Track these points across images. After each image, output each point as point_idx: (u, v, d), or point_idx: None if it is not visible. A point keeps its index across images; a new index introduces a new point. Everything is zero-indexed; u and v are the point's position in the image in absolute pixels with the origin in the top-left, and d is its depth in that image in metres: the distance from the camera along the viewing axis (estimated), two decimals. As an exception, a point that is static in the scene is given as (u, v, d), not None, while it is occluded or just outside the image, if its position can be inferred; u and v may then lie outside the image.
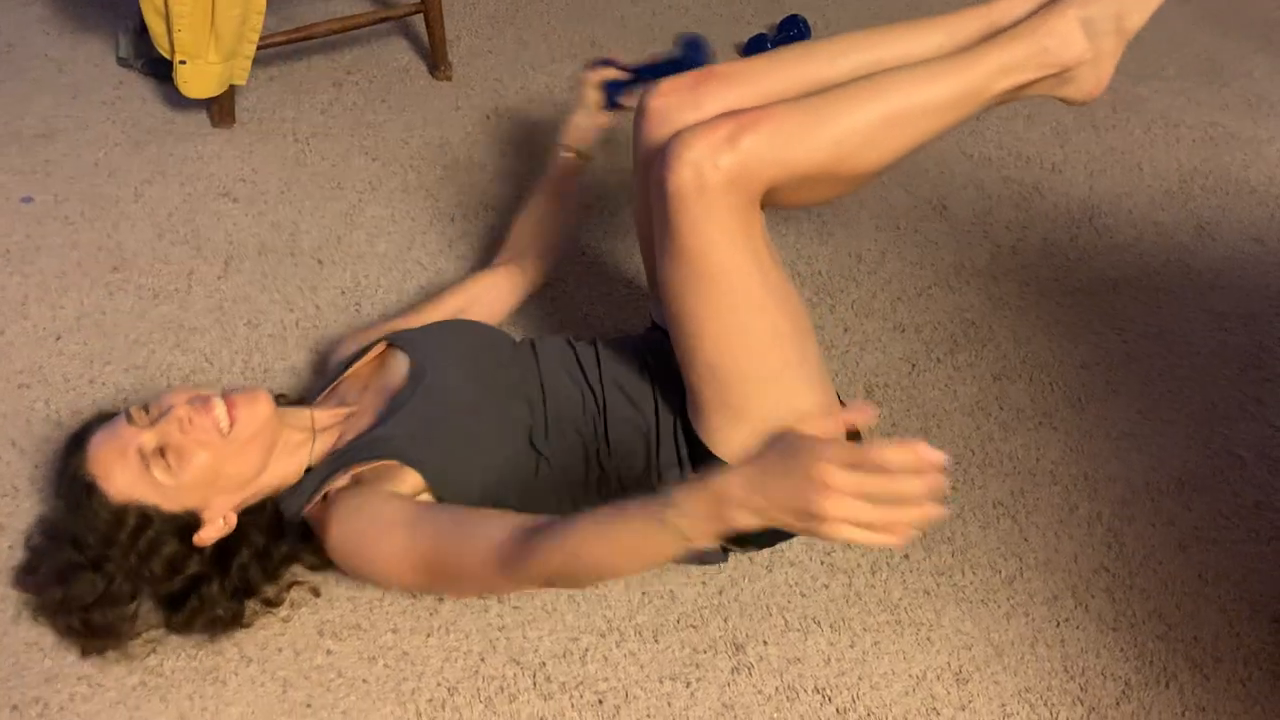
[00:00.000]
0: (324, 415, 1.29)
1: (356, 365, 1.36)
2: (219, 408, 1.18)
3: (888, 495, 0.81)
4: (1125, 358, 1.71)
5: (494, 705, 1.21)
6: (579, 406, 1.29)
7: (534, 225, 1.59)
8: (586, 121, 1.55)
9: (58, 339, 1.61)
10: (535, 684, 1.23)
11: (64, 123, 2.04)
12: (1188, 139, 2.22)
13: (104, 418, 1.22)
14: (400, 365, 1.31)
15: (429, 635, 1.27)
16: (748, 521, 0.87)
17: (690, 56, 1.42)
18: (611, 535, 0.97)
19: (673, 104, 1.26)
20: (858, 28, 1.36)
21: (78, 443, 1.20)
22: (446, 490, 1.20)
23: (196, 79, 1.90)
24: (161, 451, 1.14)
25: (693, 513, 0.89)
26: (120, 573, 1.15)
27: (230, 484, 1.19)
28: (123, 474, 1.14)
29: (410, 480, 1.19)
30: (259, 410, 1.21)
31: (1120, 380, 1.67)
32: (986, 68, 1.19)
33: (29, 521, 1.34)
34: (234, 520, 1.20)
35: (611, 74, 1.52)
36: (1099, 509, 1.48)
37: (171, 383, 1.56)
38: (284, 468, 1.24)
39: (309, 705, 1.20)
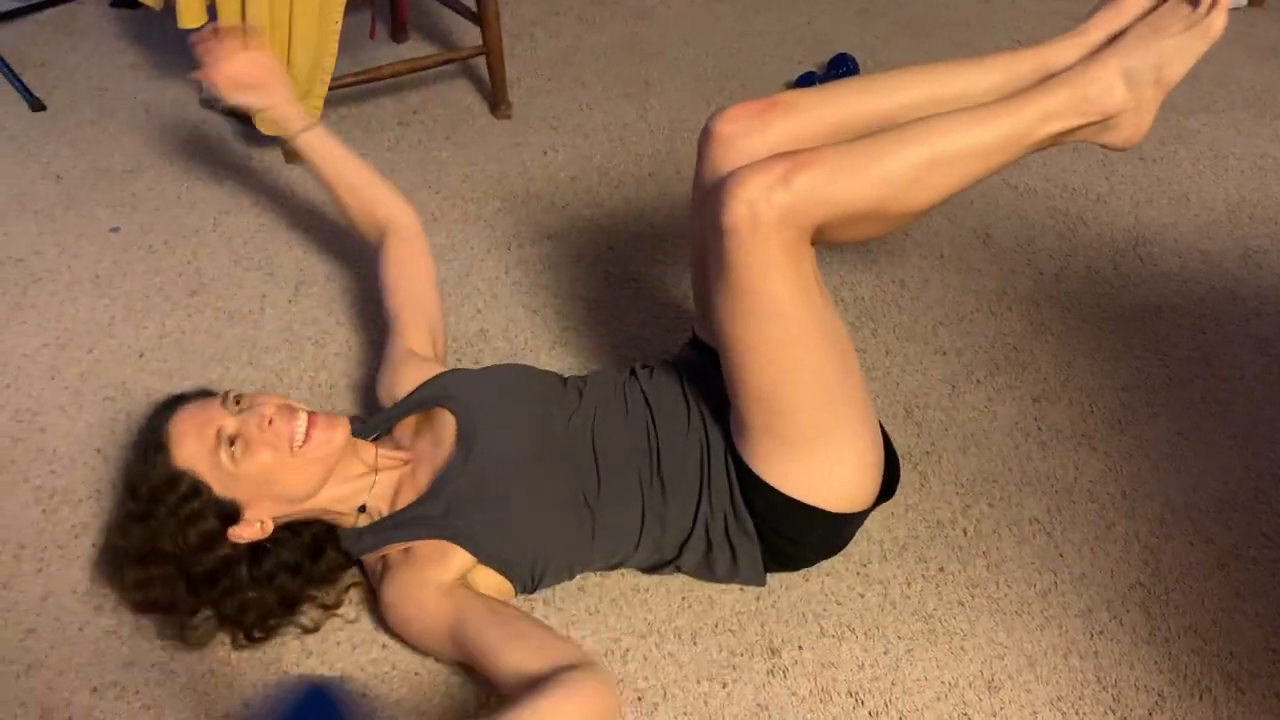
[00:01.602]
0: (385, 457, 1.36)
1: (412, 415, 1.42)
2: (300, 422, 1.27)
3: None
4: (1167, 381, 1.73)
5: (538, 700, 1.27)
6: (632, 452, 1.34)
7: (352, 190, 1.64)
8: None
9: (141, 356, 1.72)
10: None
11: (150, 159, 2.18)
12: (1236, 170, 2.23)
13: (205, 393, 1.31)
14: (449, 427, 1.36)
15: (478, 633, 1.33)
16: None
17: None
18: None
19: (739, 130, 1.32)
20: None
21: (171, 405, 1.29)
22: (497, 563, 1.28)
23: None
24: (233, 439, 1.23)
25: None
26: (164, 532, 1.23)
27: (280, 494, 1.27)
28: (194, 445, 1.23)
29: (461, 558, 1.26)
30: (334, 436, 1.29)
31: (1161, 403, 1.69)
32: (1031, 114, 1.22)
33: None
34: (270, 529, 1.27)
35: None
36: (1136, 527, 1.50)
37: (243, 397, 1.65)
38: (336, 495, 1.31)
39: (365, 696, 1.27)
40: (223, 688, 1.27)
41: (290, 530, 1.30)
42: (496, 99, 2.34)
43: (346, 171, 1.62)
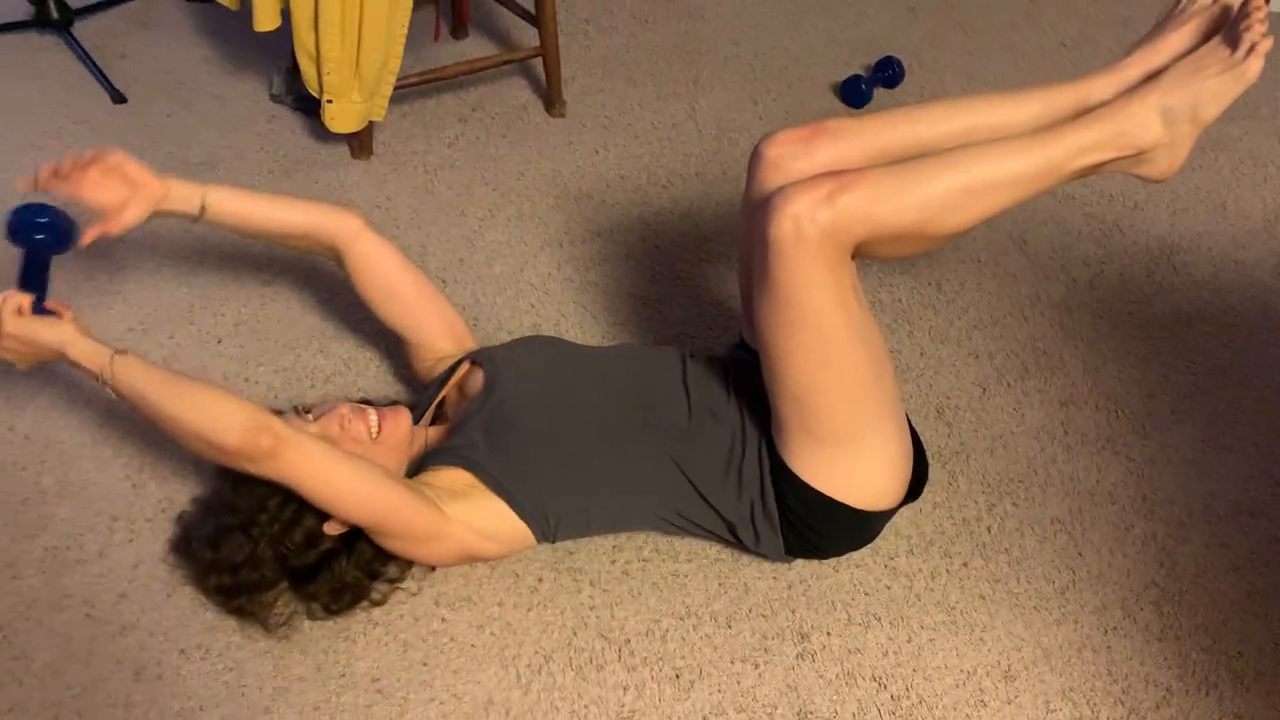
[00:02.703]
0: (435, 435, 1.52)
1: (447, 386, 1.56)
2: (372, 416, 1.42)
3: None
4: (1194, 389, 1.79)
5: (584, 673, 1.37)
6: (662, 425, 1.45)
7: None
8: None
9: (219, 342, 1.84)
10: (620, 657, 1.39)
11: (224, 152, 2.30)
12: (1276, 179, 2.27)
13: (276, 412, 1.42)
14: (478, 381, 1.52)
15: (530, 610, 1.44)
16: None
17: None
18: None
19: (786, 154, 1.40)
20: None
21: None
22: (499, 489, 1.39)
23: (341, 116, 2.14)
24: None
25: None
26: (264, 538, 1.34)
27: None
28: None
29: (458, 475, 1.39)
30: (401, 424, 1.45)
31: (1187, 410, 1.76)
32: (1067, 147, 1.28)
33: (197, 496, 1.56)
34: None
35: None
36: (1154, 529, 1.57)
37: (315, 384, 1.77)
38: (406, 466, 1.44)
39: (425, 664, 1.38)
40: (296, 651, 1.39)
41: None
42: (551, 98, 2.43)
43: (265, 215, 1.56)
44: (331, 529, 1.35)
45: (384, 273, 1.61)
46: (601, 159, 2.31)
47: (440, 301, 1.65)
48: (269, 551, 1.35)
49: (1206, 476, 1.65)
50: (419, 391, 1.73)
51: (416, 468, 1.45)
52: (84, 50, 2.53)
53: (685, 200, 2.19)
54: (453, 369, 1.57)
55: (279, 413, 1.41)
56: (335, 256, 1.61)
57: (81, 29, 2.63)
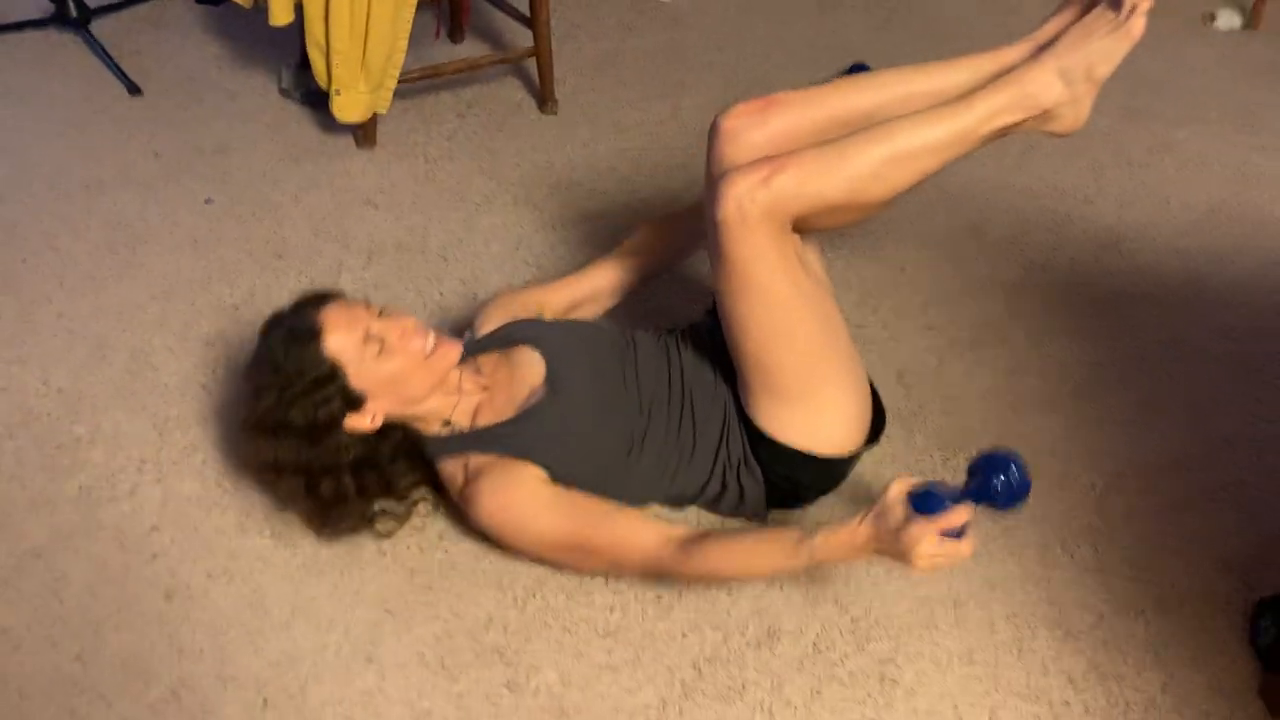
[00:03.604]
0: (468, 381, 1.59)
1: (500, 352, 1.62)
2: (431, 338, 1.51)
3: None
4: (1135, 359, 1.96)
5: (574, 597, 1.52)
6: (669, 405, 1.57)
7: (664, 240, 1.81)
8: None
9: (236, 309, 1.98)
10: (607, 582, 1.53)
11: (236, 141, 2.45)
12: (1219, 176, 2.45)
13: (336, 295, 1.53)
14: (536, 367, 1.57)
15: (524, 543, 1.58)
16: (857, 559, 1.43)
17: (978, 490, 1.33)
18: (756, 557, 1.43)
19: (742, 125, 1.55)
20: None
21: (317, 300, 1.50)
22: (562, 481, 1.50)
23: (349, 106, 2.29)
24: (377, 341, 1.45)
25: (827, 554, 1.37)
26: (297, 405, 1.44)
27: (401, 394, 1.49)
28: (344, 337, 1.45)
29: (536, 472, 1.49)
30: (451, 355, 1.53)
31: (1128, 377, 1.92)
32: (979, 112, 1.45)
33: (218, 443, 1.70)
34: (379, 423, 1.50)
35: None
36: (1094, 479, 1.73)
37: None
38: (432, 406, 1.53)
39: (429, 588, 1.52)
40: (313, 577, 1.53)
41: (381, 433, 1.52)
42: (544, 96, 2.59)
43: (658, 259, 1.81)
44: (354, 422, 1.46)
45: (605, 298, 1.81)
46: (591, 152, 2.47)
47: (574, 284, 1.80)
48: (300, 419, 1.44)
49: (1143, 433, 1.81)
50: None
51: (485, 440, 1.52)
52: (101, 46, 2.68)
53: (669, 189, 2.35)
54: (507, 340, 1.63)
55: (351, 300, 1.53)
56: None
57: (98, 27, 2.79)
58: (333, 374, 1.45)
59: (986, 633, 1.50)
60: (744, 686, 1.42)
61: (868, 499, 1.64)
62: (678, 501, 1.63)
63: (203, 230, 2.17)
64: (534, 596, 1.52)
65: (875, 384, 1.77)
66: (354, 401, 1.47)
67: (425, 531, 1.60)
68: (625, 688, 1.41)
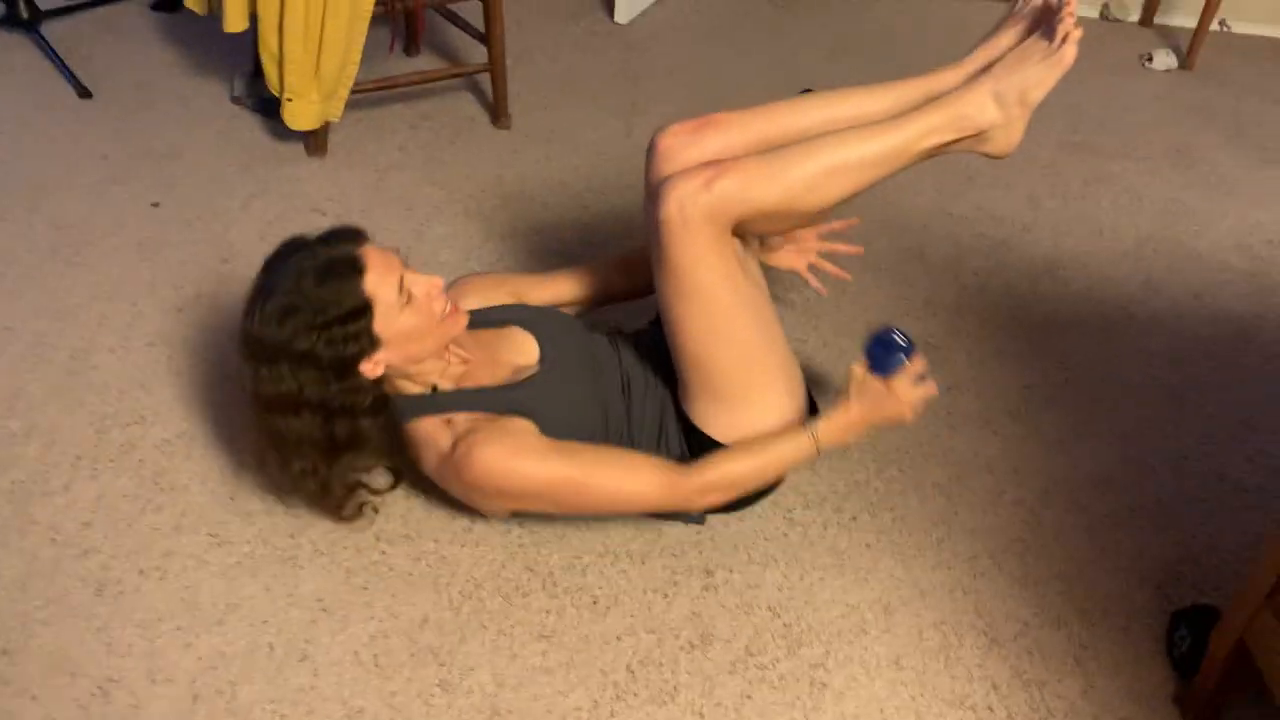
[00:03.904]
0: (456, 351, 1.56)
1: (495, 330, 1.63)
2: (447, 305, 1.49)
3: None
4: (1065, 383, 2.01)
5: (511, 599, 1.53)
6: (612, 403, 1.61)
7: (622, 270, 1.82)
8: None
9: (180, 311, 1.98)
10: (544, 586, 1.55)
11: (187, 146, 2.44)
12: (1149, 210, 2.53)
13: (366, 234, 1.48)
14: (528, 347, 1.60)
15: (463, 546, 1.59)
16: (856, 439, 1.56)
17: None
18: (769, 453, 1.51)
19: (677, 144, 1.59)
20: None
21: (353, 237, 1.45)
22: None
23: (300, 114, 2.30)
24: (408, 292, 1.43)
25: (830, 439, 1.52)
26: (325, 335, 1.38)
27: (407, 349, 1.45)
28: (382, 279, 1.40)
29: (528, 425, 1.48)
30: (462, 321, 1.52)
31: (1058, 399, 1.97)
32: (915, 129, 1.51)
33: (157, 442, 1.69)
34: (381, 373, 1.44)
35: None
36: (1023, 495, 1.77)
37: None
38: (425, 368, 1.50)
39: (365, 588, 1.52)
40: (247, 576, 1.52)
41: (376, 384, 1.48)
42: (498, 111, 2.62)
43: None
44: (369, 369, 1.43)
45: (566, 303, 1.81)
46: (543, 167, 2.49)
47: (542, 285, 1.80)
48: (326, 354, 1.39)
49: (1071, 454, 1.86)
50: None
51: (470, 394, 1.52)
52: (52, 49, 2.67)
53: (620, 206, 2.38)
54: (500, 319, 1.64)
55: (392, 249, 1.47)
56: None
57: (50, 29, 2.77)
58: (365, 312, 1.40)
59: (915, 639, 1.53)
60: (676, 689, 1.44)
61: (805, 508, 1.69)
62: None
63: (149, 233, 2.16)
64: (470, 599, 1.52)
65: (815, 399, 1.82)
66: (372, 346, 1.42)
67: (363, 533, 1.60)
68: (558, 689, 1.42)
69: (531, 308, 1.70)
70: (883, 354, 1.55)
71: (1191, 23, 3.28)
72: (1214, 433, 1.92)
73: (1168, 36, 3.37)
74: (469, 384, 1.54)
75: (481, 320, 1.63)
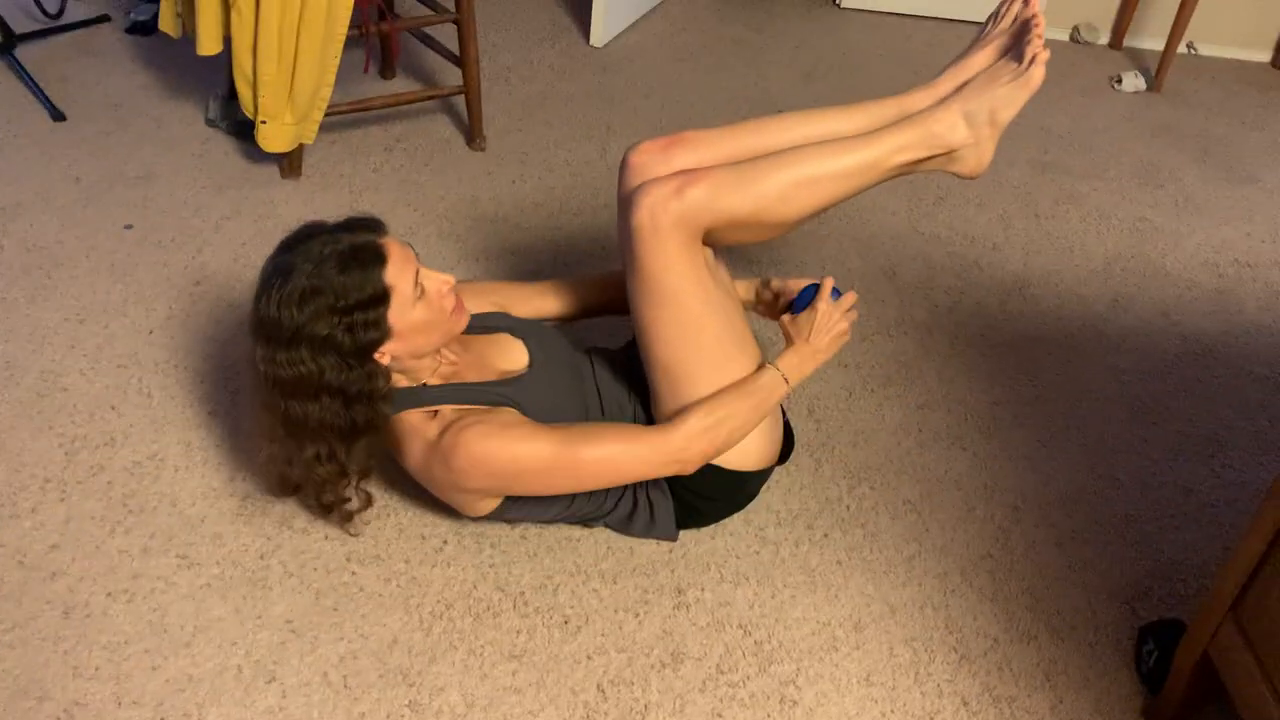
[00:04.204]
0: (446, 355, 1.56)
1: (489, 336, 1.64)
2: (455, 301, 1.50)
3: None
4: (1034, 399, 2.03)
5: (482, 620, 1.52)
6: (597, 404, 1.64)
7: (601, 288, 1.83)
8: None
9: (150, 333, 1.97)
10: (515, 606, 1.55)
11: (160, 168, 2.44)
12: (1117, 229, 2.57)
13: (384, 226, 1.48)
14: (518, 354, 1.62)
15: (434, 566, 1.59)
16: (817, 366, 1.62)
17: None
18: (744, 391, 1.52)
19: (648, 161, 1.60)
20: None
21: (372, 226, 1.45)
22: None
23: (274, 136, 2.30)
24: (420, 285, 1.43)
25: (799, 371, 1.59)
26: (342, 325, 1.38)
27: (414, 343, 1.45)
28: (402, 270, 1.41)
29: (515, 413, 1.50)
30: (464, 320, 1.53)
31: (1027, 416, 1.99)
32: (886, 146, 1.53)
33: (126, 464, 1.69)
34: (386, 362, 1.45)
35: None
36: (993, 511, 1.78)
37: (241, 371, 1.90)
38: (424, 364, 1.51)
39: (335, 609, 1.52)
40: (216, 598, 1.52)
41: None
42: (473, 133, 2.63)
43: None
44: (380, 358, 1.43)
45: (537, 312, 1.80)
46: (518, 188, 2.51)
47: (526, 297, 1.79)
48: (347, 341, 1.39)
49: (1039, 470, 1.87)
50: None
51: (460, 388, 1.52)
52: (26, 72, 2.66)
53: (594, 227, 2.39)
54: (493, 326, 1.65)
55: (409, 248, 1.47)
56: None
57: (24, 52, 2.77)
58: (384, 301, 1.40)
59: (885, 656, 1.54)
60: (646, 708, 1.43)
61: (777, 526, 1.69)
62: (587, 520, 1.64)
63: (121, 256, 2.15)
64: (440, 619, 1.52)
65: (787, 417, 1.82)
66: (385, 336, 1.43)
67: (332, 553, 1.59)
68: (529, 709, 1.42)
69: (520, 319, 1.71)
70: (800, 302, 1.66)
71: (1159, 45, 3.33)
72: (1182, 448, 1.94)
73: (1136, 59, 3.42)
74: (456, 381, 1.55)
75: (474, 325, 1.62)
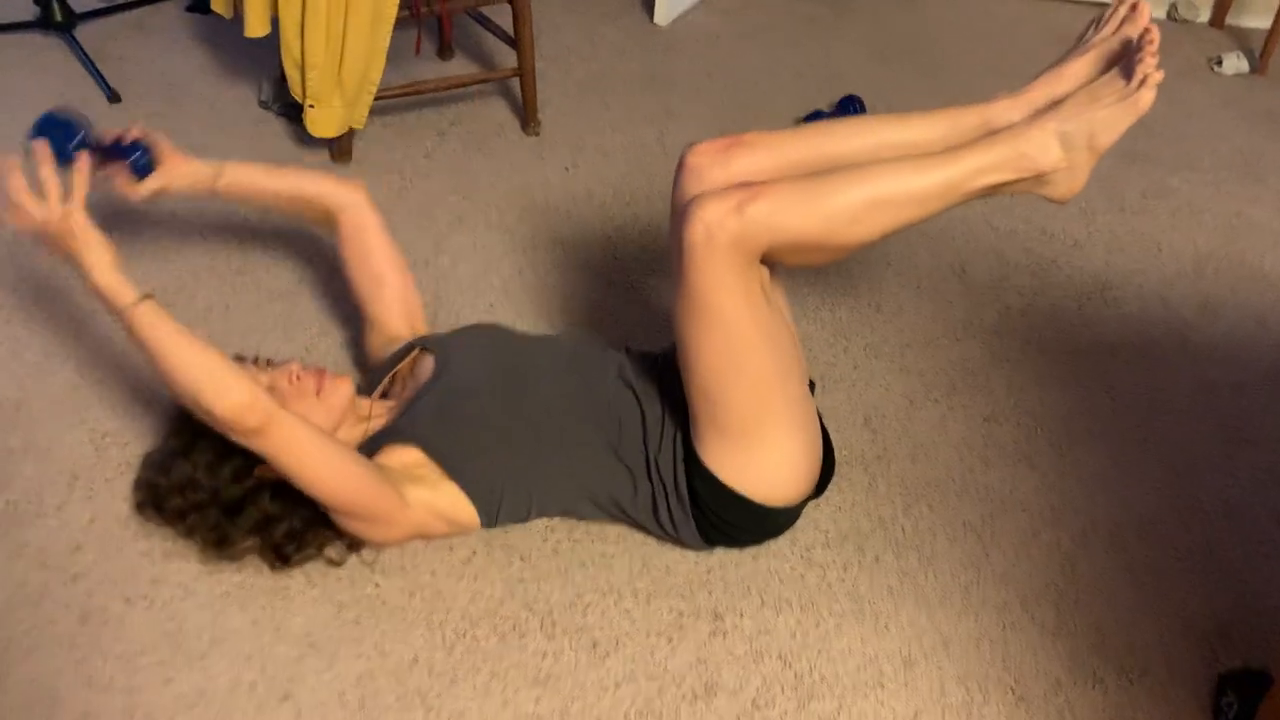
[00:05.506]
0: (377, 408, 1.59)
1: (400, 365, 1.64)
2: (318, 377, 1.51)
3: None
4: (1111, 413, 1.89)
5: (507, 639, 1.46)
6: (597, 413, 1.54)
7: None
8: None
9: (191, 323, 1.92)
10: (542, 626, 1.47)
11: (211, 150, 2.36)
12: (1210, 226, 2.39)
13: (237, 359, 1.49)
14: (428, 365, 1.60)
15: (460, 580, 1.52)
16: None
17: None
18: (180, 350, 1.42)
19: (705, 163, 1.50)
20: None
21: None
22: (448, 462, 1.47)
23: (322, 121, 2.25)
24: (269, 390, 1.41)
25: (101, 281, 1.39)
26: (201, 464, 1.43)
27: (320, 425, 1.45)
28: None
29: (411, 455, 1.46)
30: (342, 389, 1.53)
31: (1102, 431, 1.85)
32: (969, 166, 1.38)
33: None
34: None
35: None
36: (1059, 537, 1.66)
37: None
38: (342, 438, 1.50)
39: (357, 623, 1.46)
40: (235, 608, 1.47)
41: None
42: (527, 117, 2.55)
43: (277, 181, 1.75)
44: (264, 470, 1.42)
45: (367, 240, 1.75)
46: (571, 176, 2.42)
47: (407, 284, 1.76)
48: (206, 481, 1.43)
49: (1113, 491, 1.74)
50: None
51: (370, 443, 1.52)
52: (84, 51, 2.65)
53: (647, 218, 2.30)
54: (405, 351, 1.65)
55: (241, 359, 1.49)
56: (328, 222, 1.76)
57: (83, 31, 2.75)
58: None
59: (936, 695, 1.43)
60: (676, 743, 1.36)
61: (824, 547, 1.59)
62: (610, 517, 1.58)
63: (165, 241, 2.12)
64: (464, 637, 1.45)
65: (840, 426, 1.72)
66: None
67: (356, 563, 1.54)
68: (551, 739, 1.35)
69: (442, 333, 1.70)
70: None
71: (1266, 24, 3.09)
72: (1275, 472, 1.78)
73: (1239, 39, 3.19)
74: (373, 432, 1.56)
75: (392, 362, 1.65)
